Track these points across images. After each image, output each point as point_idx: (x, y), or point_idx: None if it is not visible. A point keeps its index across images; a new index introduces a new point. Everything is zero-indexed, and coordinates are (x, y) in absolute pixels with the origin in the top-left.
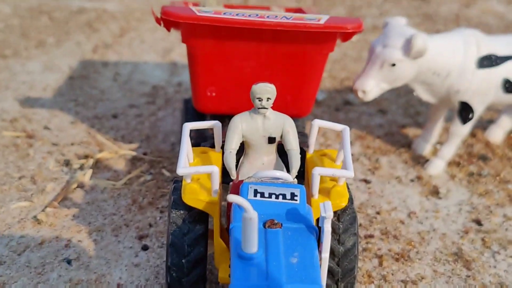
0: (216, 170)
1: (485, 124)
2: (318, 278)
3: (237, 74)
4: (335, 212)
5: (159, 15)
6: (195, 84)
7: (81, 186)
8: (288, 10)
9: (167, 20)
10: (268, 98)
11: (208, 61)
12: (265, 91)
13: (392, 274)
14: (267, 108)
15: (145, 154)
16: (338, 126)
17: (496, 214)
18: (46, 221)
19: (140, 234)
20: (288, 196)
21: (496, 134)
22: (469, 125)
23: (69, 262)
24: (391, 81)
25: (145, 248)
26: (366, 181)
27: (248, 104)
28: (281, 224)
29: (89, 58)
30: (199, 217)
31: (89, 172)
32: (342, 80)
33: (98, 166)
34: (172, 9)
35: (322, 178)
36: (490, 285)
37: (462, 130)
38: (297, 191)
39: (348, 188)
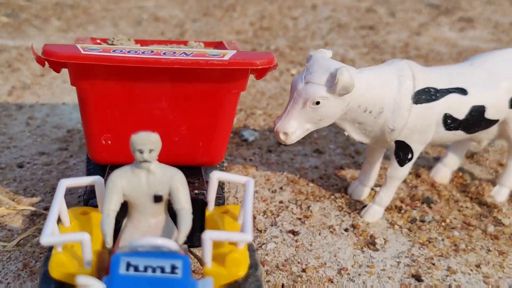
0: (87, 238)
1: (431, 162)
2: None
3: (135, 118)
4: (235, 281)
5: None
6: (87, 132)
7: None
8: (208, 44)
9: (50, 61)
10: (151, 150)
11: (100, 105)
12: (147, 141)
13: None
14: (150, 162)
15: (46, 209)
16: (241, 179)
17: (438, 267)
18: None
19: None
20: (168, 269)
21: (442, 174)
22: (408, 167)
23: None
24: (316, 121)
25: None
26: (294, 233)
27: None
28: None
29: (3, 101)
30: None
31: None
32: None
33: None
34: (53, 47)
35: (218, 242)
36: None
37: (400, 173)
38: (178, 263)
39: (253, 252)
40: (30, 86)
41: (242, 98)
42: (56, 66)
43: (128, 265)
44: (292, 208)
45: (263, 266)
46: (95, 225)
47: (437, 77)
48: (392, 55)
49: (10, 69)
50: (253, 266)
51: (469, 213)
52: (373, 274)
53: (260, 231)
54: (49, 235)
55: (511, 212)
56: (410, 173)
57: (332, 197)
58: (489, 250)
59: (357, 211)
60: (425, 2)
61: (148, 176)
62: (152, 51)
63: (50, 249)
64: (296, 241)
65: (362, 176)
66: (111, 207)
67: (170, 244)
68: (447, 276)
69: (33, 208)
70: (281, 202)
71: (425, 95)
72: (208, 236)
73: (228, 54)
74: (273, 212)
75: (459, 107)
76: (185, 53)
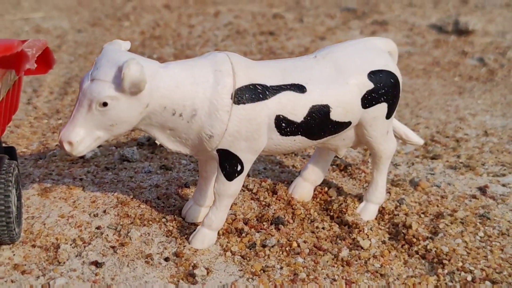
0: None
1: (295, 174)
2: None
3: None
4: None
5: None
6: None
7: None
8: None
9: None
10: None
11: None
12: None
13: None
14: None
15: None
16: None
17: None
18: None
19: None
20: None
21: (303, 190)
22: (238, 181)
23: None
24: (108, 126)
25: None
26: (98, 264)
27: None
28: None
29: None
30: None
31: None
32: None
33: None
34: None
35: None
36: None
37: (230, 189)
38: None
39: None
40: None
41: None
42: None
43: None
44: (107, 235)
45: None
46: None
47: (267, 72)
48: None
49: None
50: None
51: (324, 235)
52: None
53: (60, 263)
54: None
55: (375, 232)
56: (266, 190)
57: (163, 220)
58: (334, 280)
59: (186, 236)
60: (341, 6)
61: None
62: None
63: None
64: (96, 274)
65: (197, 194)
66: None
67: None
68: None
69: None
70: (98, 227)
71: (250, 94)
72: None
73: None
74: (84, 240)
75: (295, 107)
76: None
